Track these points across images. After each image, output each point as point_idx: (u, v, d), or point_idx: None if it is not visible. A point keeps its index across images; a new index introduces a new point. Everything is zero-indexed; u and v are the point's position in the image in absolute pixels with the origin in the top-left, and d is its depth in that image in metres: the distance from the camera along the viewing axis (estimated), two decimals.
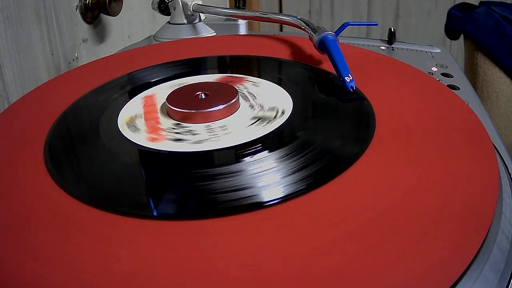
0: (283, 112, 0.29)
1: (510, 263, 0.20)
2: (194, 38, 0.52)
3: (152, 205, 0.22)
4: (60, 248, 0.20)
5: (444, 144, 0.25)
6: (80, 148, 0.28)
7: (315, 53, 0.38)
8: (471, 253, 0.18)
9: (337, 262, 0.18)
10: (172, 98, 0.30)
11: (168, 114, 0.30)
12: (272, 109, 0.30)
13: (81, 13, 0.60)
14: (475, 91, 0.42)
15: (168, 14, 0.55)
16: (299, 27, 0.41)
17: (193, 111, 0.29)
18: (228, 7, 1.00)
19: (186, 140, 0.27)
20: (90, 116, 0.31)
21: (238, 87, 0.33)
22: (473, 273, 0.18)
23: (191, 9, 0.51)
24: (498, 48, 0.75)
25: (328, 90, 0.33)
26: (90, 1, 0.60)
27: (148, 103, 0.32)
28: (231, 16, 0.50)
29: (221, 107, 0.29)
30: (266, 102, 0.31)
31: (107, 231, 0.21)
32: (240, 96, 0.31)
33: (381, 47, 0.52)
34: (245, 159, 0.25)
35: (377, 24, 0.42)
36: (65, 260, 0.19)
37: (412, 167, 0.23)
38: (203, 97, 0.31)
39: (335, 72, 0.33)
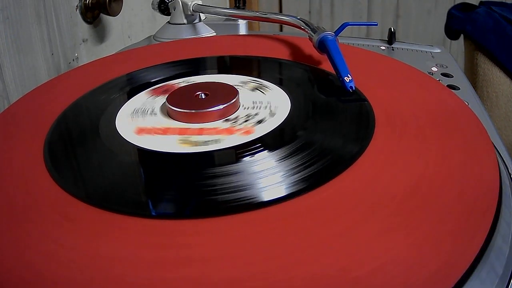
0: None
1: (510, 263, 0.20)
2: (194, 38, 0.52)
3: (152, 205, 0.22)
4: (60, 248, 0.20)
5: (444, 144, 0.25)
6: (80, 148, 0.28)
7: (315, 53, 0.38)
8: (472, 253, 0.18)
9: (338, 262, 0.18)
10: (172, 98, 0.30)
11: (168, 114, 0.30)
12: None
13: (81, 13, 0.60)
14: (475, 91, 0.42)
15: (168, 14, 0.55)
16: (299, 27, 0.41)
17: (193, 111, 0.29)
18: (228, 7, 1.00)
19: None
20: (90, 116, 0.31)
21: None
22: (473, 273, 0.18)
23: (191, 9, 0.51)
24: (498, 48, 0.76)
25: (328, 90, 0.33)
26: (90, 1, 0.60)
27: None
28: (231, 16, 0.50)
29: (221, 107, 0.29)
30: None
31: (107, 230, 0.21)
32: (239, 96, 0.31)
33: (381, 47, 0.52)
34: (245, 159, 0.25)
35: (376, 24, 0.42)
36: (65, 260, 0.19)
37: (412, 166, 0.23)
38: (203, 97, 0.31)
39: (334, 72, 0.33)
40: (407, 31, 1.22)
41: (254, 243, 0.19)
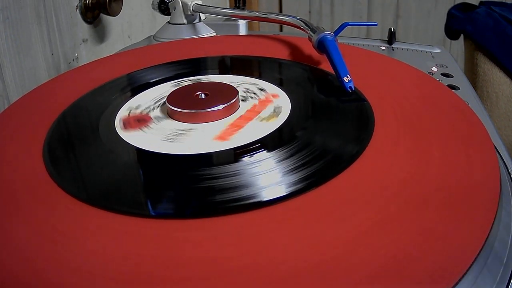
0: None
1: (510, 263, 0.20)
2: (194, 38, 0.52)
3: (152, 205, 0.22)
4: (60, 248, 0.20)
5: (444, 144, 0.25)
6: (79, 148, 0.28)
7: (315, 53, 0.38)
8: (472, 253, 0.18)
9: (338, 262, 0.18)
10: (172, 98, 0.30)
11: (168, 114, 0.30)
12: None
13: (81, 13, 0.60)
14: (475, 91, 0.42)
15: (168, 14, 0.55)
16: (299, 27, 0.41)
17: (193, 111, 0.29)
18: (228, 7, 1.00)
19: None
20: (90, 116, 0.31)
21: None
22: (473, 274, 0.18)
23: (191, 9, 0.51)
24: (498, 48, 0.75)
25: (327, 90, 0.33)
26: (90, 1, 0.60)
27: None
28: (231, 16, 0.50)
29: (221, 107, 0.29)
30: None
31: (107, 230, 0.21)
32: (239, 96, 0.31)
33: (381, 47, 0.52)
34: (244, 159, 0.25)
35: (376, 24, 0.42)
36: (65, 260, 0.19)
37: (412, 167, 0.23)
38: (203, 97, 0.31)
39: (334, 73, 0.33)
40: (407, 31, 1.22)
41: (254, 242, 0.19)
